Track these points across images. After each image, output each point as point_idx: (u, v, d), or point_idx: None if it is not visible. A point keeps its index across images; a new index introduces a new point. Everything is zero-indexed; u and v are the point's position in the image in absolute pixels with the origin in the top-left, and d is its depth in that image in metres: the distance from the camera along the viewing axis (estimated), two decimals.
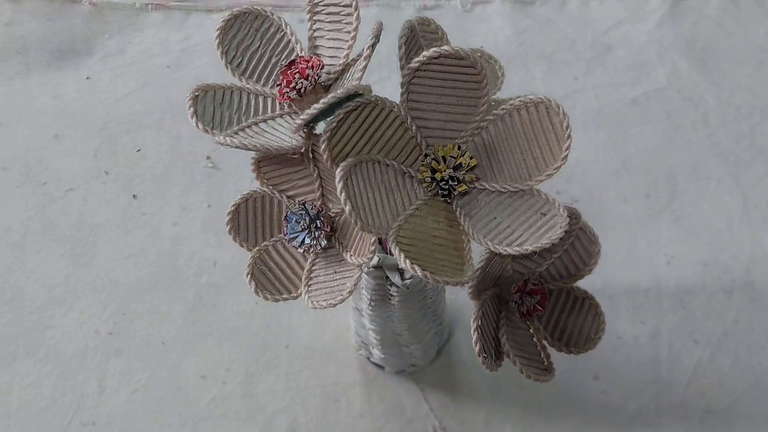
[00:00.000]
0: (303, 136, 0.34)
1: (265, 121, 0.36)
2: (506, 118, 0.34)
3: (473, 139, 0.34)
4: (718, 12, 0.74)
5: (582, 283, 0.40)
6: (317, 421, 0.54)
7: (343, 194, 0.30)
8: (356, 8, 0.36)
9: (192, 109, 0.36)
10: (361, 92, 0.32)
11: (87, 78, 0.69)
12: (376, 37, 0.33)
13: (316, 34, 0.38)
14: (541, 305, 0.37)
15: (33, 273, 0.60)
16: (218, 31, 0.38)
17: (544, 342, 0.39)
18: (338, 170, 0.31)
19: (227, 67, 0.38)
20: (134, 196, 0.64)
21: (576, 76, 0.70)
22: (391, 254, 0.31)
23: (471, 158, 0.34)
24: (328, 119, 0.32)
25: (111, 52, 0.71)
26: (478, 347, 0.34)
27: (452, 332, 0.57)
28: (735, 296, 0.60)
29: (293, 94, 0.35)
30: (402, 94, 0.34)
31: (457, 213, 0.34)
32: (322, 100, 0.31)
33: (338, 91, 0.31)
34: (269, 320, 0.58)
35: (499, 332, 0.36)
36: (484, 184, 0.34)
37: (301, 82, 0.35)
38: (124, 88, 0.69)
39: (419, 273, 0.30)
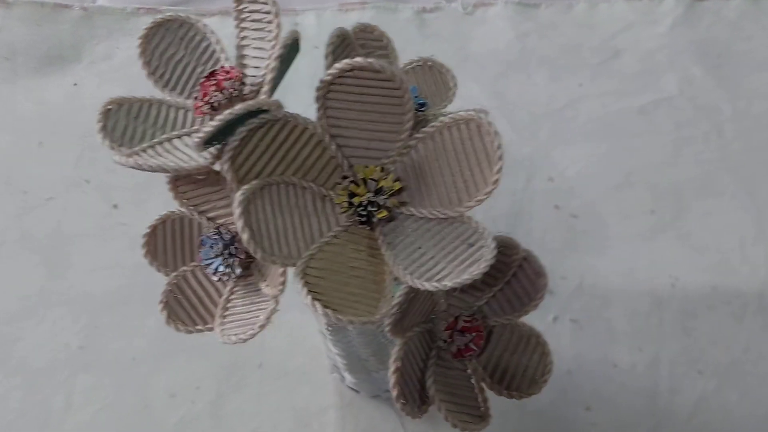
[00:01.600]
0: (212, 154, 0.31)
1: (179, 137, 0.34)
2: (436, 136, 0.30)
3: (402, 159, 0.31)
4: (737, 14, 0.69)
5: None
6: None
7: (240, 221, 0.28)
8: (276, 15, 0.33)
9: (101, 124, 0.33)
10: (266, 108, 0.29)
11: (74, 84, 0.68)
12: (286, 47, 0.30)
13: (243, 42, 0.35)
14: (476, 344, 0.33)
15: (6, 283, 0.58)
16: (140, 40, 0.36)
17: (482, 384, 0.35)
18: (238, 193, 0.28)
19: (149, 78, 0.36)
20: (114, 206, 0.62)
21: (580, 82, 0.66)
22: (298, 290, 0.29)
23: (395, 181, 0.31)
24: (231, 137, 0.30)
25: (98, 57, 0.69)
26: (396, 391, 0.31)
27: None
28: (746, 323, 0.55)
29: (206, 109, 0.33)
30: (318, 110, 0.31)
31: (379, 241, 0.31)
32: (218, 117, 0.28)
33: (237, 107, 0.28)
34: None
35: (426, 374, 0.33)
36: (412, 209, 0.31)
37: (215, 96, 0.32)
38: (110, 94, 0.67)
39: (320, 311, 0.27)
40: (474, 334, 0.33)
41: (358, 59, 0.29)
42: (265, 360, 0.55)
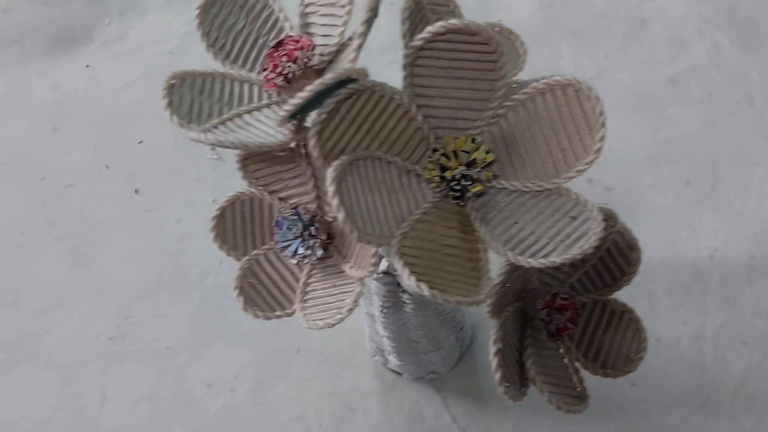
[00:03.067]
0: (291, 129, 0.29)
1: (249, 112, 0.32)
2: (528, 103, 0.29)
3: (490, 129, 0.30)
4: None
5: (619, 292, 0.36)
6: (331, 431, 0.51)
7: (335, 199, 0.26)
8: None
9: (167, 99, 0.31)
10: (354, 77, 0.27)
11: (87, 66, 0.66)
12: (373, 11, 0.28)
13: (307, 9, 0.33)
14: (573, 322, 0.32)
15: (32, 274, 0.57)
16: (198, 9, 0.34)
17: (577, 364, 0.34)
18: (330, 170, 0.27)
19: (209, 51, 0.34)
20: (136, 191, 0.60)
21: (607, 53, 0.65)
22: (393, 269, 0.27)
23: (487, 152, 0.29)
24: (318, 110, 0.28)
25: (111, 38, 0.67)
26: (499, 375, 0.29)
27: (475, 335, 0.53)
28: None
29: (280, 81, 0.31)
30: (405, 78, 0.29)
31: (472, 217, 0.29)
32: (308, 88, 0.26)
33: (327, 77, 0.26)
34: (279, 324, 0.53)
35: (524, 355, 0.32)
36: (503, 182, 0.30)
37: (289, 66, 0.31)
38: (126, 76, 0.65)
39: (426, 292, 0.25)
40: (570, 311, 0.32)
41: (454, 21, 0.27)
42: (303, 345, 0.53)
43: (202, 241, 0.57)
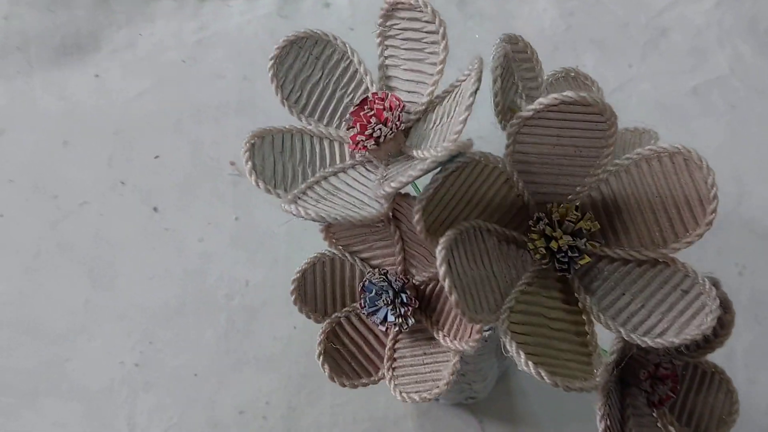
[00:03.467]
0: (387, 199, 0.28)
1: (335, 174, 0.31)
2: (632, 169, 0.28)
3: (590, 195, 0.29)
4: None
5: None
6: None
7: (447, 280, 0.25)
8: (444, 36, 0.29)
9: (250, 163, 0.30)
10: (463, 151, 0.26)
11: (96, 76, 0.63)
12: (478, 80, 0.27)
13: (388, 62, 0.32)
14: (674, 392, 0.31)
15: (49, 298, 0.55)
16: (272, 61, 0.32)
17: (671, 428, 0.34)
18: (439, 249, 0.25)
19: (283, 104, 0.32)
20: (155, 209, 0.58)
21: (630, 63, 0.64)
22: (506, 350, 0.26)
23: (593, 221, 0.28)
24: (427, 185, 0.27)
25: (120, 45, 0.64)
26: None
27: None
28: None
29: (371, 145, 0.30)
30: (508, 146, 0.28)
31: (575, 286, 0.28)
32: (419, 166, 0.25)
33: (440, 154, 0.25)
34: (309, 347, 0.52)
35: (626, 426, 0.31)
36: (606, 250, 0.29)
37: (380, 129, 0.29)
38: (137, 86, 0.62)
39: (546, 379, 0.24)
40: (671, 381, 0.31)
41: (569, 93, 0.26)
42: None
43: (226, 261, 0.56)
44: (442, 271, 0.25)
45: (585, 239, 0.28)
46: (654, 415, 0.33)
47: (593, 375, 0.26)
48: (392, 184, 0.26)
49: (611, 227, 0.29)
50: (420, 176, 0.25)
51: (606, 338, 0.29)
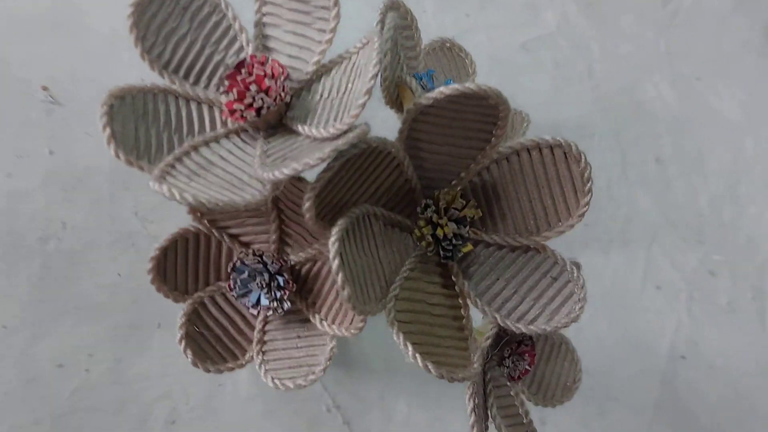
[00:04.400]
0: (271, 184, 0.26)
1: (207, 144, 0.28)
2: (513, 158, 0.28)
3: (471, 180, 0.29)
4: None
5: None
6: (201, 408, 0.49)
7: (340, 275, 0.24)
8: (336, 3, 0.27)
9: (109, 130, 0.26)
10: (363, 139, 0.25)
11: None
12: (381, 61, 0.25)
13: (266, 20, 0.29)
14: (531, 366, 0.33)
15: None
16: (132, 8, 0.28)
17: (523, 397, 0.35)
18: (332, 240, 0.24)
19: (143, 58, 0.29)
20: None
21: (468, 12, 0.65)
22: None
23: (476, 208, 0.29)
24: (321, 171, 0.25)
25: None
26: (475, 429, 0.30)
27: None
28: (612, 256, 0.61)
29: (251, 116, 0.27)
30: (402, 131, 0.27)
31: (455, 271, 0.29)
32: (316, 155, 0.23)
33: (341, 142, 0.23)
34: (137, 295, 0.50)
35: (488, 399, 0.32)
36: (483, 235, 0.29)
37: (261, 99, 0.27)
38: None
39: (433, 371, 0.25)
40: (530, 357, 0.33)
41: (470, 86, 0.25)
42: (165, 319, 0.50)
43: (39, 200, 0.51)
44: (335, 264, 0.24)
45: (468, 227, 0.29)
46: (508, 385, 0.35)
47: (471, 362, 0.27)
48: (284, 171, 0.24)
49: (489, 213, 0.29)
50: (317, 165, 0.24)
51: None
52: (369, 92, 0.24)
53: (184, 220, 0.49)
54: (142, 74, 0.52)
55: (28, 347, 0.47)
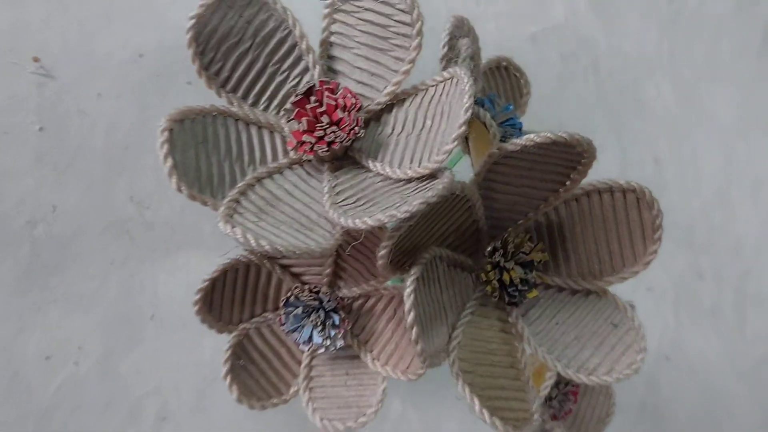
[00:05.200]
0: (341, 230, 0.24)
1: (270, 176, 0.25)
2: (583, 199, 0.27)
3: (537, 219, 0.27)
4: None
5: None
6: (192, 404, 0.47)
7: (415, 329, 0.22)
8: (419, 33, 0.25)
9: (171, 161, 0.23)
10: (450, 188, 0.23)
11: None
12: (471, 98, 0.23)
13: (334, 39, 0.26)
14: (574, 404, 0.32)
15: None
16: (193, 20, 0.25)
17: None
18: (407, 293, 0.23)
19: (200, 75, 0.26)
20: None
21: (478, 0, 0.63)
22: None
23: (544, 252, 0.27)
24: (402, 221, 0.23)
25: None
26: None
27: None
28: None
29: (322, 151, 0.25)
30: (478, 174, 0.25)
31: (514, 315, 0.27)
32: (403, 208, 0.21)
33: (429, 195, 0.22)
34: (129, 285, 0.48)
35: None
36: (545, 277, 0.28)
37: (334, 134, 0.25)
38: None
39: (500, 428, 0.24)
40: (573, 395, 0.32)
41: (564, 135, 0.24)
42: (158, 311, 0.48)
43: (28, 181, 0.48)
44: (410, 318, 0.23)
45: (534, 271, 0.28)
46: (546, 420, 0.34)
47: (531, 414, 0.26)
48: (368, 221, 0.22)
49: (553, 254, 0.28)
50: (403, 218, 0.22)
51: None
52: (459, 138, 0.23)
53: (180, 207, 0.47)
54: (137, 48, 0.49)
55: (14, 338, 0.45)
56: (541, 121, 0.62)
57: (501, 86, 0.37)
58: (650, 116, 0.66)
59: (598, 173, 0.61)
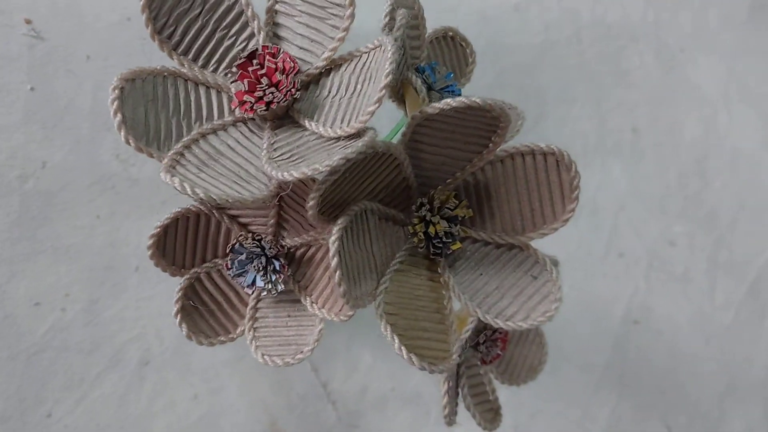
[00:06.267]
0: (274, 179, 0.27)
1: (215, 132, 0.28)
2: (507, 161, 0.30)
3: (464, 178, 0.30)
4: None
5: None
6: (172, 351, 0.51)
7: (338, 272, 0.25)
8: (352, 3, 0.27)
9: (120, 115, 0.26)
10: (371, 145, 0.25)
11: None
12: (395, 62, 0.26)
13: (279, 7, 0.29)
14: (503, 350, 0.35)
15: None
16: None
17: (491, 376, 0.38)
18: (332, 239, 0.26)
19: (154, 38, 0.28)
20: None
21: None
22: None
23: (468, 208, 0.30)
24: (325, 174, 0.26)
25: None
26: (447, 410, 0.32)
27: None
28: (580, 222, 0.63)
29: (261, 109, 0.27)
30: (405, 134, 0.28)
31: (442, 265, 0.30)
32: (325, 162, 0.24)
33: (350, 151, 0.24)
34: (114, 238, 0.51)
35: (460, 381, 0.34)
36: (471, 232, 0.31)
37: (272, 94, 0.27)
38: None
39: (416, 363, 0.26)
40: (502, 342, 0.34)
41: (477, 100, 0.26)
42: (142, 263, 0.51)
43: (19, 137, 0.50)
44: (334, 262, 0.25)
45: (458, 225, 0.30)
46: (479, 365, 0.37)
47: (450, 354, 0.28)
48: (293, 173, 0.25)
49: (479, 212, 0.31)
50: (327, 172, 0.24)
51: None
52: (380, 101, 0.25)
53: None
54: (124, 12, 0.51)
55: (5, 283, 0.48)
56: (522, 91, 0.63)
57: (447, 55, 0.40)
58: (632, 86, 0.67)
59: (575, 142, 0.63)
